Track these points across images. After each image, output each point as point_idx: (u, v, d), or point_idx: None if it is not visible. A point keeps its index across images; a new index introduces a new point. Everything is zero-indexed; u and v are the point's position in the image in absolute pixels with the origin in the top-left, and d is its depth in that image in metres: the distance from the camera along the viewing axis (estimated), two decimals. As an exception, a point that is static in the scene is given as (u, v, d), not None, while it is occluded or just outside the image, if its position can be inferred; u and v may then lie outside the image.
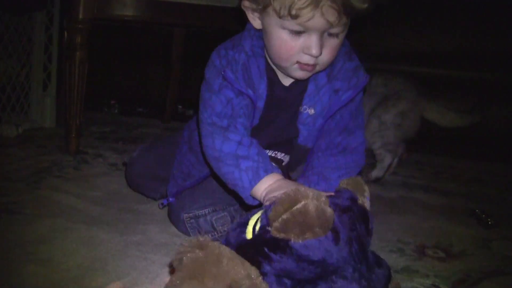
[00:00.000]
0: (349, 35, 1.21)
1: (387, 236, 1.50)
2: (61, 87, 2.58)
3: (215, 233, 1.34)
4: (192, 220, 1.34)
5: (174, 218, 1.39)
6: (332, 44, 1.15)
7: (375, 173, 2.13)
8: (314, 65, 1.17)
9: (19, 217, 1.40)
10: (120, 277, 1.12)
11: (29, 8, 2.42)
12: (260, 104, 1.27)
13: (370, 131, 2.08)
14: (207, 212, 1.34)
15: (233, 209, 1.37)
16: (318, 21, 1.09)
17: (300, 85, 1.27)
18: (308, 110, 1.27)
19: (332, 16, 1.08)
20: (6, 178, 1.72)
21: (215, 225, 1.34)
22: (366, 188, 1.07)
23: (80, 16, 1.91)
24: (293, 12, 1.08)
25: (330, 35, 1.14)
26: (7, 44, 2.41)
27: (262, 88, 1.26)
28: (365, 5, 1.10)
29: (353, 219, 0.96)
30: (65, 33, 2.40)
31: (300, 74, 1.20)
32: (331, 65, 1.23)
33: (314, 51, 1.13)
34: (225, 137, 1.19)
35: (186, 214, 1.34)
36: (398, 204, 1.83)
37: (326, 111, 1.26)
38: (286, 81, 1.29)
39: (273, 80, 1.27)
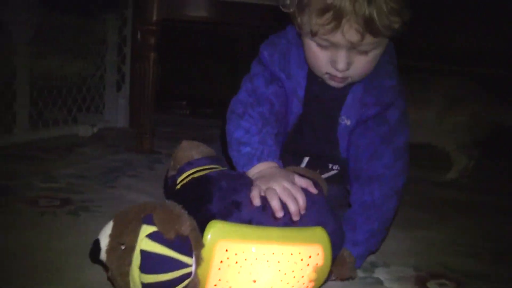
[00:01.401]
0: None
1: (462, 240, 1.47)
2: (134, 88, 2.63)
3: None
4: None
5: None
6: (361, 60, 1.12)
7: (450, 174, 2.09)
8: (344, 78, 1.15)
9: (96, 214, 1.43)
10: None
11: (103, 11, 2.47)
12: (300, 92, 1.24)
13: (444, 132, 2.04)
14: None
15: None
16: (340, 39, 1.06)
17: (338, 90, 1.21)
18: (346, 121, 1.23)
19: (354, 36, 1.05)
20: (81, 176, 1.76)
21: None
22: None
23: (154, 18, 1.94)
24: (314, 28, 1.07)
25: (360, 52, 1.10)
26: (82, 46, 2.47)
27: (301, 76, 1.23)
28: (391, 24, 1.05)
29: None
30: (138, 34, 2.45)
31: (333, 83, 1.18)
32: (371, 79, 1.18)
33: (339, 66, 1.11)
34: (238, 124, 1.19)
35: None
36: (473, 208, 1.78)
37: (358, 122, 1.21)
38: None
39: (312, 73, 1.22)
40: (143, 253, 0.87)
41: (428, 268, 1.26)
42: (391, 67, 1.21)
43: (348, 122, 1.22)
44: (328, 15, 1.03)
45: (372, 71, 1.16)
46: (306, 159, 1.32)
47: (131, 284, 0.91)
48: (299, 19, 1.12)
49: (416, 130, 2.07)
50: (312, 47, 1.13)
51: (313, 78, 1.22)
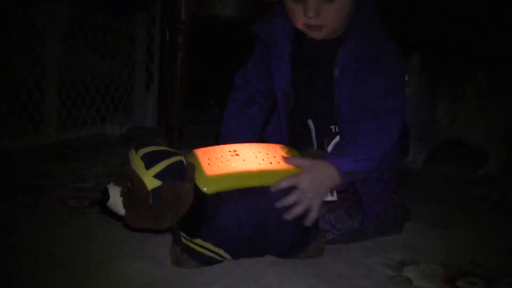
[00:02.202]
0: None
1: (493, 238, 1.45)
2: (162, 87, 2.63)
3: (335, 231, 1.29)
4: None
5: None
6: (330, 8, 1.23)
7: (485, 169, 2.06)
8: (319, 26, 1.26)
9: (125, 214, 1.42)
10: (225, 275, 1.12)
11: (131, 9, 2.47)
12: (286, 56, 1.35)
13: (478, 125, 2.02)
14: (324, 211, 1.27)
15: (348, 205, 1.32)
16: None
17: (329, 45, 1.31)
18: (338, 72, 1.29)
19: None
20: (110, 175, 1.75)
21: (333, 223, 1.29)
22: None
23: (182, 17, 1.92)
24: None
25: (326, 0, 1.22)
26: (110, 45, 2.47)
27: (286, 40, 1.36)
28: None
29: None
30: (167, 33, 2.44)
31: (313, 34, 1.29)
32: (361, 35, 1.27)
33: (309, 13, 1.22)
34: (226, 106, 1.48)
35: None
36: (505, 205, 1.75)
37: (350, 71, 1.28)
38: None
39: (302, 38, 1.34)
40: (144, 156, 1.11)
41: (458, 266, 1.23)
42: (377, 25, 1.29)
43: (338, 72, 1.29)
44: None
45: (362, 28, 1.27)
46: (310, 122, 1.38)
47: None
48: None
49: (451, 126, 2.06)
50: (288, 3, 1.27)
51: (302, 41, 1.34)
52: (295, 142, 1.36)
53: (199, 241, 1.12)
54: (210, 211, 1.11)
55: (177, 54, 1.95)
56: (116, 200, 1.12)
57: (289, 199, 1.14)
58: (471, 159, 2.21)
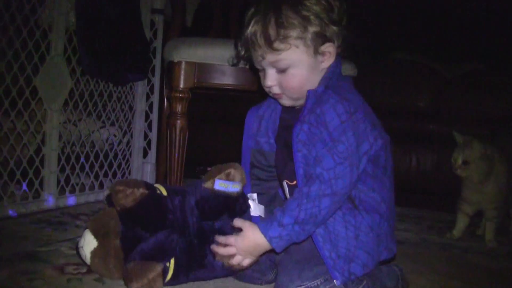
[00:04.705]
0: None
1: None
2: (160, 154, 2.66)
3: None
4: None
5: None
6: (284, 77, 1.36)
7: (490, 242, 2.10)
8: (278, 94, 1.40)
9: (121, 282, 1.42)
10: None
11: (131, 79, 2.53)
12: (276, 121, 1.53)
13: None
14: (319, 282, 1.27)
15: (346, 277, 1.29)
16: (255, 61, 1.40)
17: (298, 112, 1.39)
18: (294, 139, 1.33)
19: (257, 56, 1.36)
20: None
21: None
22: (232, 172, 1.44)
23: (181, 86, 1.97)
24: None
25: (279, 70, 1.36)
26: (110, 112, 2.51)
27: (278, 109, 1.53)
28: (278, 46, 1.32)
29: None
30: (165, 101, 2.49)
31: (280, 101, 1.44)
32: (318, 98, 1.32)
33: (264, 82, 1.39)
34: None
35: (298, 287, 1.27)
36: (505, 275, 1.75)
37: (301, 140, 1.32)
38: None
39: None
40: None
41: None
42: (331, 94, 1.31)
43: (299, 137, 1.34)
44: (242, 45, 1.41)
45: (318, 96, 1.32)
46: (285, 183, 1.48)
47: None
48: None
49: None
50: (259, 73, 1.43)
51: (287, 108, 1.47)
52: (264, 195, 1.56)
53: None
54: None
55: (176, 122, 1.99)
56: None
57: (224, 252, 1.35)
58: (468, 228, 2.22)
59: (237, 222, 1.35)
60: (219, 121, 3.32)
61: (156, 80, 2.70)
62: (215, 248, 1.37)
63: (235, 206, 1.47)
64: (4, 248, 1.64)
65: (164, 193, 1.48)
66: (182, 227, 1.44)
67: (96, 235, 1.42)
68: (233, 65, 1.59)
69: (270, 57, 1.34)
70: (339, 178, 1.24)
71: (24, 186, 2.07)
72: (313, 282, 1.27)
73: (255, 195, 1.52)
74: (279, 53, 1.32)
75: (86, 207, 2.29)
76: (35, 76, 2.08)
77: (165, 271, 1.35)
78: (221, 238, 1.36)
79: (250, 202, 1.52)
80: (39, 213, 2.11)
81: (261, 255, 1.36)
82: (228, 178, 1.44)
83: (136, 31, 2.42)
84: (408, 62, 3.02)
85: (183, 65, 1.97)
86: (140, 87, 2.66)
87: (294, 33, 1.31)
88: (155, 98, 2.72)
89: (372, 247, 1.31)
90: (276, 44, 1.31)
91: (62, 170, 2.27)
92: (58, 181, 2.25)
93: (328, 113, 1.27)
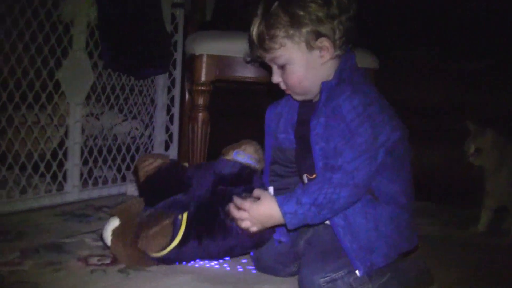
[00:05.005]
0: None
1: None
2: (182, 148, 2.67)
3: None
4: (330, 284, 1.27)
5: (307, 284, 1.30)
6: (285, 74, 1.40)
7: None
8: (286, 89, 1.44)
9: (145, 274, 1.44)
10: None
11: (153, 73, 2.54)
12: (294, 118, 1.53)
13: None
14: (343, 274, 1.27)
15: (368, 267, 1.29)
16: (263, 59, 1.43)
17: (310, 105, 1.45)
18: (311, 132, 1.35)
19: (258, 52, 1.41)
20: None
21: (354, 285, 1.28)
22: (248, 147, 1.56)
23: (203, 79, 1.97)
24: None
25: (279, 67, 1.40)
26: (132, 106, 2.53)
27: (295, 104, 1.53)
28: (270, 45, 1.37)
29: None
30: (186, 94, 2.50)
31: (293, 96, 1.47)
32: (331, 93, 1.32)
33: (272, 79, 1.43)
34: None
35: (322, 279, 1.27)
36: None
37: (319, 132, 1.33)
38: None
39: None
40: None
41: None
42: (346, 86, 1.31)
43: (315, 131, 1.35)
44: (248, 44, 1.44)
45: (331, 90, 1.32)
46: (305, 177, 1.48)
47: None
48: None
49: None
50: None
51: (302, 103, 1.50)
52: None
53: None
54: None
55: (198, 115, 1.99)
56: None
57: (236, 214, 1.37)
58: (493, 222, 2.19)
59: (257, 191, 1.39)
60: (240, 114, 3.31)
61: (177, 74, 2.71)
62: (230, 208, 1.39)
63: (252, 178, 1.53)
64: (29, 239, 1.66)
65: (186, 165, 1.59)
66: (198, 192, 1.51)
67: (120, 216, 1.48)
68: (247, 62, 1.61)
69: (267, 55, 1.40)
70: (360, 170, 1.24)
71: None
72: (336, 274, 1.27)
73: (271, 188, 1.53)
74: (272, 52, 1.37)
75: (109, 200, 2.31)
76: (58, 70, 2.10)
77: (176, 224, 1.42)
78: (237, 200, 1.38)
79: (270, 190, 1.54)
80: (63, 206, 2.13)
81: (270, 228, 1.40)
82: (245, 151, 1.54)
83: (157, 25, 2.43)
84: (422, 58, 3.00)
85: (204, 58, 1.98)
86: (162, 81, 2.67)
87: (280, 32, 1.34)
88: (176, 91, 2.72)
89: (392, 238, 1.31)
90: (267, 44, 1.37)
91: (85, 163, 2.30)
92: (81, 174, 2.27)
93: (344, 105, 1.27)
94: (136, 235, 1.41)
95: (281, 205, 1.28)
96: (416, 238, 1.38)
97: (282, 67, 1.39)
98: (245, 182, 1.51)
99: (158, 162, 1.53)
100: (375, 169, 1.27)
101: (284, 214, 1.27)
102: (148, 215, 1.43)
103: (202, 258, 1.52)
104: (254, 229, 1.36)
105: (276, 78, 1.42)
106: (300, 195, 1.26)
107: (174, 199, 1.48)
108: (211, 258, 1.53)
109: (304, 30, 1.33)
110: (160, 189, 1.51)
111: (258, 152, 1.56)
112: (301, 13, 1.32)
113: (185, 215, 1.45)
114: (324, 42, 1.34)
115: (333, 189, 1.24)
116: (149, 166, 1.53)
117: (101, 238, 1.52)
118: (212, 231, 1.44)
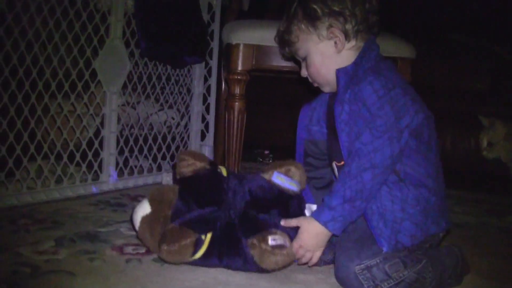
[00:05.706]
0: None
1: None
2: (218, 137, 2.66)
3: (391, 280, 1.27)
4: (365, 271, 1.27)
5: (343, 272, 1.30)
6: (307, 66, 1.49)
7: None
8: (312, 82, 1.53)
9: (182, 265, 1.42)
10: None
11: (189, 62, 2.53)
12: (324, 110, 1.59)
13: None
14: (379, 261, 1.27)
15: (403, 255, 1.30)
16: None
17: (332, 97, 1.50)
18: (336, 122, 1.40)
19: (284, 48, 1.55)
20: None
21: (389, 272, 1.27)
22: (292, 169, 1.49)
23: (239, 68, 1.96)
24: None
25: (304, 61, 1.50)
26: (168, 95, 2.53)
27: (325, 97, 1.60)
28: (290, 36, 1.49)
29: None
30: (223, 84, 2.49)
31: (321, 89, 1.54)
32: (352, 76, 1.39)
33: (301, 73, 1.53)
34: None
35: (358, 266, 1.27)
36: None
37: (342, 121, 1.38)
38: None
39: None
40: None
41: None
42: (358, 60, 1.42)
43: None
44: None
45: (352, 80, 1.38)
46: (334, 165, 1.52)
47: None
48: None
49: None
50: None
51: (331, 95, 1.54)
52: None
53: None
54: None
55: (234, 104, 1.98)
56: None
57: (301, 262, 1.41)
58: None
59: (292, 221, 1.41)
60: (277, 103, 3.30)
61: (213, 63, 2.70)
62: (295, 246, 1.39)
63: (288, 204, 1.48)
64: (66, 228, 1.66)
65: (225, 174, 1.50)
66: (230, 208, 1.44)
67: (151, 203, 1.45)
68: (282, 56, 1.70)
69: (291, 49, 1.53)
70: (378, 151, 1.27)
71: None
72: (372, 261, 1.27)
73: (314, 206, 1.53)
74: (293, 46, 1.50)
75: (145, 189, 2.30)
76: (94, 59, 2.10)
77: (199, 243, 1.37)
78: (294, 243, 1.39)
79: (306, 211, 1.52)
80: (99, 195, 2.14)
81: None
82: (287, 174, 1.47)
83: (194, 14, 2.41)
84: (465, 44, 2.95)
85: (241, 48, 1.96)
86: (198, 70, 2.67)
87: (296, 26, 1.47)
88: (212, 80, 2.71)
89: (419, 219, 1.32)
90: (287, 39, 1.50)
91: (121, 152, 2.30)
92: (117, 163, 2.27)
93: (365, 89, 1.31)
94: (159, 241, 1.37)
95: (318, 219, 1.32)
96: (446, 223, 1.39)
97: (305, 60, 1.49)
98: (281, 205, 1.47)
99: (196, 165, 1.48)
100: (398, 150, 1.29)
101: (324, 225, 1.31)
102: (171, 229, 1.38)
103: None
104: (318, 255, 1.40)
105: (303, 72, 1.52)
106: (329, 200, 1.31)
107: (202, 214, 1.42)
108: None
109: (317, 22, 1.43)
110: (194, 195, 1.46)
111: (301, 176, 1.50)
112: (314, 6, 1.42)
113: (208, 236, 1.39)
114: (335, 32, 1.42)
115: (355, 179, 1.28)
116: (186, 167, 1.49)
117: (131, 219, 1.50)
118: (234, 257, 1.40)
